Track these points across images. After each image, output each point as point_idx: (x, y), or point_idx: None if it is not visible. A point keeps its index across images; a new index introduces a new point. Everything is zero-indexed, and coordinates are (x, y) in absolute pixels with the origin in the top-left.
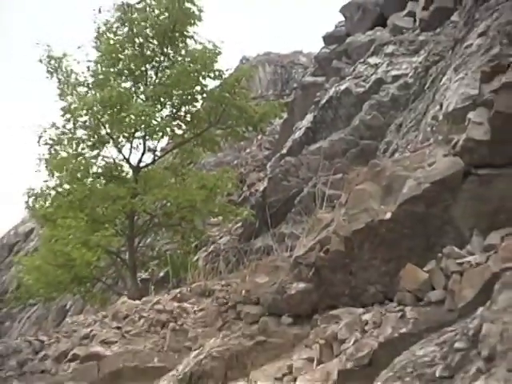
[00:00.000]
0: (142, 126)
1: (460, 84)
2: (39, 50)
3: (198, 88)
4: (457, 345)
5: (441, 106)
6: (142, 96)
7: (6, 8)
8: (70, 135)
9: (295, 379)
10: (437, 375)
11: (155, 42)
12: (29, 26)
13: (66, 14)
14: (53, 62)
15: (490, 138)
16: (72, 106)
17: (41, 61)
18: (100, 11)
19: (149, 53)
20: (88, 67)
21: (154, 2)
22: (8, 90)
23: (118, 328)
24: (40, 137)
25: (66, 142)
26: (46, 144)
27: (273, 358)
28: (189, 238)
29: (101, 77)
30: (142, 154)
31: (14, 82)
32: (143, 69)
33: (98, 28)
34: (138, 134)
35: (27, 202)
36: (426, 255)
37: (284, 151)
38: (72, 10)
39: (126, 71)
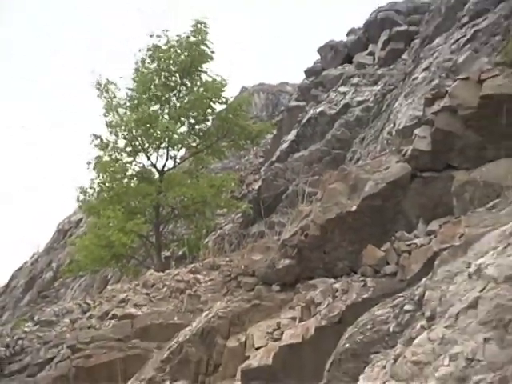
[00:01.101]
0: (166, 139)
1: (408, 107)
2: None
3: (209, 111)
4: (406, 307)
5: (394, 124)
6: (166, 116)
7: (6, 8)
8: (112, 145)
9: (282, 333)
10: (390, 330)
11: (177, 75)
12: (29, 26)
13: (66, 14)
14: (101, 87)
15: (431, 149)
16: (114, 123)
17: (96, 86)
18: (140, 50)
19: (172, 83)
20: (126, 93)
21: (176, 44)
22: (8, 90)
23: (147, 294)
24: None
25: (109, 150)
26: (97, 146)
27: (265, 317)
28: (201, 225)
29: (135, 101)
30: (166, 161)
31: (14, 82)
32: (167, 95)
33: (136, 63)
34: (162, 145)
35: (78, 197)
36: (382, 238)
37: (274, 158)
38: (72, 10)
39: (154, 97)
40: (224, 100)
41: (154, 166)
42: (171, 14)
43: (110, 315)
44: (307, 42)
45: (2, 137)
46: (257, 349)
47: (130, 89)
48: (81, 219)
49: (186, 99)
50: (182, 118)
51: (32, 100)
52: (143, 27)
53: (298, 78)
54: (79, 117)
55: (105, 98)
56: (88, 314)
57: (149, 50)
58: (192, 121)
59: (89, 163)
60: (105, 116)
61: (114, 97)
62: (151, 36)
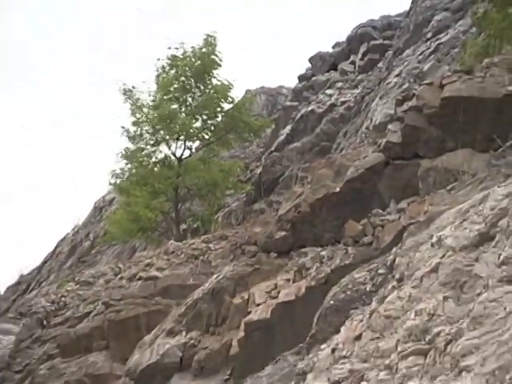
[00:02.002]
0: (183, 132)
1: (383, 107)
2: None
3: (219, 109)
4: (380, 271)
5: (371, 120)
6: (183, 114)
7: (6, 8)
8: (138, 138)
9: (278, 292)
10: (367, 290)
11: (192, 80)
12: (29, 26)
13: (66, 14)
14: (127, 92)
15: (401, 141)
16: (139, 120)
17: (123, 92)
18: (159, 59)
19: (188, 87)
20: (149, 94)
21: (191, 55)
22: (8, 90)
23: (168, 260)
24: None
25: (136, 141)
26: (127, 137)
27: (264, 279)
28: (212, 203)
29: (157, 102)
30: (183, 150)
31: (14, 82)
32: (184, 96)
33: (157, 70)
34: (180, 137)
35: (110, 180)
36: (361, 214)
37: (272, 148)
38: (72, 10)
39: (173, 98)
40: (231, 100)
41: (174, 154)
42: (171, 14)
43: (137, 277)
44: (307, 41)
45: (2, 137)
46: (257, 305)
47: (152, 91)
48: (113, 198)
49: (200, 100)
50: (196, 115)
51: (32, 100)
52: (143, 27)
53: (292, 82)
54: (79, 117)
55: (130, 101)
56: (119, 276)
57: (168, 59)
58: (204, 117)
59: (118, 153)
60: (131, 115)
61: (139, 99)
62: (169, 48)
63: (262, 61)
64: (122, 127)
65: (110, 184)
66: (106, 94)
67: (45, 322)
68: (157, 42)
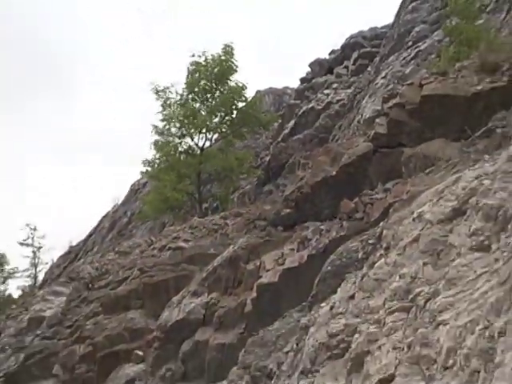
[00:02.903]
0: (205, 127)
1: (371, 104)
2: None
3: (234, 107)
4: (370, 241)
5: (361, 115)
6: (205, 111)
7: (6, 8)
8: (166, 131)
9: (285, 260)
10: (359, 257)
11: (212, 82)
12: (29, 25)
13: (66, 14)
14: (159, 93)
15: (387, 132)
16: (168, 116)
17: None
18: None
19: (208, 88)
20: (176, 93)
21: (211, 62)
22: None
23: (192, 233)
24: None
25: (164, 134)
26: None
27: (273, 249)
28: (229, 186)
29: (183, 101)
30: (204, 142)
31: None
32: (205, 96)
33: (188, 74)
34: (202, 131)
35: (143, 167)
36: (353, 194)
37: (279, 139)
38: (72, 9)
39: (196, 97)
40: (244, 99)
41: (197, 145)
42: (171, 14)
43: (166, 247)
44: (305, 41)
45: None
46: (267, 270)
47: (179, 92)
48: (146, 182)
49: (218, 99)
50: (215, 112)
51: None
52: (143, 27)
53: (295, 83)
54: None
55: (162, 98)
56: (151, 246)
57: (192, 65)
58: (222, 114)
59: (150, 144)
60: (161, 111)
61: (168, 98)
62: (193, 55)
63: (261, 60)
64: (152, 125)
65: (143, 172)
66: (107, 94)
67: (90, 285)
68: (157, 41)
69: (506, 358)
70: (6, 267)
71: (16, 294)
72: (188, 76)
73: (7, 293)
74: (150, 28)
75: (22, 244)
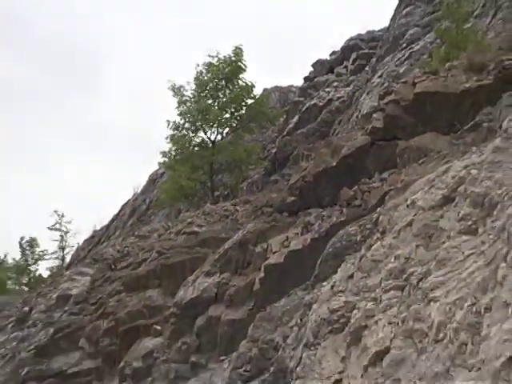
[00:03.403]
0: (216, 122)
1: (369, 101)
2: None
3: (243, 103)
4: (367, 226)
5: (359, 111)
6: (216, 107)
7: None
8: (182, 126)
9: (290, 243)
10: (357, 240)
11: (223, 81)
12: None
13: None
14: (176, 90)
15: (383, 126)
16: (183, 112)
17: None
18: (198, 65)
19: (219, 86)
20: (191, 89)
21: (222, 62)
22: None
23: (205, 219)
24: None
25: (180, 129)
26: (172, 128)
27: (279, 233)
28: (239, 175)
29: (196, 98)
30: (216, 135)
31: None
32: (217, 94)
33: (197, 73)
34: (214, 125)
35: (161, 158)
36: (352, 183)
37: (284, 133)
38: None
39: (208, 95)
40: (252, 96)
41: (209, 138)
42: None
43: (181, 232)
44: (309, 44)
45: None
46: (274, 253)
47: (192, 90)
48: (163, 172)
49: (229, 96)
50: (226, 108)
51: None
52: (144, 26)
53: (299, 82)
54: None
55: (178, 96)
56: (168, 231)
57: (205, 65)
58: (232, 110)
59: (166, 138)
60: (177, 108)
61: (183, 95)
62: (208, 55)
63: (263, 60)
64: (168, 120)
65: (161, 163)
66: (130, 89)
67: (113, 266)
68: (158, 40)
69: (491, 331)
70: (37, 250)
71: (45, 274)
72: (201, 75)
73: (38, 273)
74: (152, 27)
75: (50, 229)
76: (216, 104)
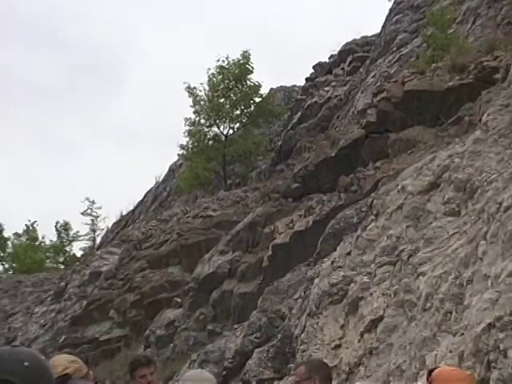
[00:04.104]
0: (228, 118)
1: (363, 98)
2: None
3: (252, 101)
4: (362, 209)
5: (355, 107)
6: (228, 105)
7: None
8: (197, 122)
9: (294, 224)
10: (354, 222)
11: (233, 81)
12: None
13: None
14: (191, 90)
15: (376, 121)
16: (198, 109)
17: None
18: (209, 68)
19: (230, 86)
20: (204, 90)
21: (232, 65)
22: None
23: (219, 203)
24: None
25: (195, 125)
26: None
27: (284, 216)
28: (248, 165)
29: (209, 97)
30: (228, 130)
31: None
32: (228, 93)
33: (209, 76)
34: (226, 121)
35: (179, 151)
36: (349, 171)
37: (289, 127)
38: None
39: (220, 94)
40: (260, 95)
41: (222, 133)
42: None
43: (198, 216)
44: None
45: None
46: (280, 233)
47: (206, 90)
48: (181, 163)
49: (239, 95)
50: (237, 106)
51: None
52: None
53: (301, 82)
54: None
55: (192, 96)
56: (186, 215)
57: (217, 67)
58: (242, 107)
59: (184, 132)
60: (192, 106)
61: (197, 95)
62: (218, 60)
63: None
64: (185, 117)
65: (179, 155)
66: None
67: (138, 246)
68: (171, 42)
69: (473, 301)
70: (71, 232)
71: (79, 254)
72: (214, 77)
73: (72, 252)
74: (155, 26)
75: (82, 214)
76: (227, 102)
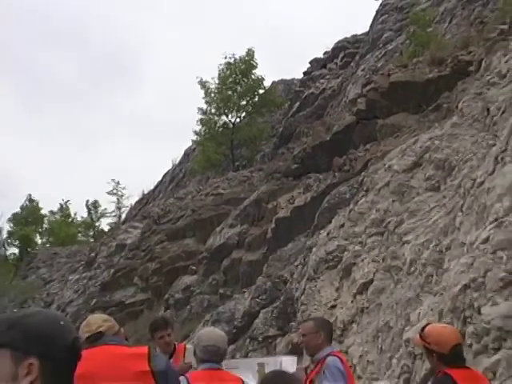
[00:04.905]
0: (235, 108)
1: (354, 89)
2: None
3: (256, 93)
4: (354, 186)
5: (347, 97)
6: (235, 97)
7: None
8: (208, 111)
9: (294, 200)
10: (347, 197)
11: (239, 76)
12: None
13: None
14: (203, 84)
15: (365, 108)
16: (209, 100)
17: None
18: (219, 65)
19: (237, 80)
20: (215, 83)
21: (238, 61)
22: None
23: (228, 182)
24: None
25: (207, 114)
26: (201, 113)
27: (286, 193)
28: (254, 149)
29: (219, 90)
30: (235, 118)
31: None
32: (235, 87)
33: (219, 71)
34: (233, 111)
35: (193, 137)
36: (342, 153)
37: (289, 116)
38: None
39: (229, 87)
40: (263, 87)
41: (230, 121)
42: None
43: (210, 194)
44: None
45: None
46: (282, 208)
47: (216, 83)
48: (195, 148)
49: (244, 87)
50: (243, 97)
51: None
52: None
53: (300, 75)
54: None
55: (204, 88)
56: (200, 193)
57: (225, 64)
58: (247, 98)
59: (197, 121)
60: (204, 98)
61: (209, 88)
62: (225, 57)
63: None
64: (198, 107)
65: (193, 140)
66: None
67: (157, 221)
68: (182, 40)
69: (451, 265)
70: (99, 210)
71: (106, 228)
72: (223, 72)
73: (100, 227)
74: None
75: (109, 193)
76: (235, 94)
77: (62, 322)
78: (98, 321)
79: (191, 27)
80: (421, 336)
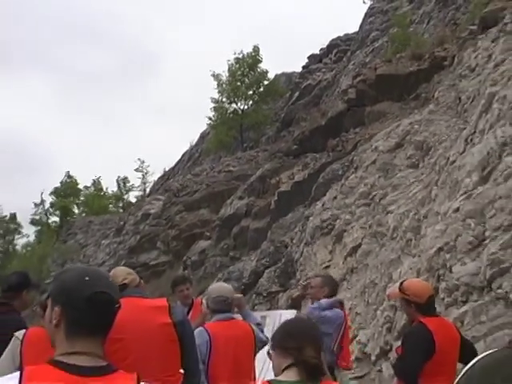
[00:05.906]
0: (243, 97)
1: (346, 80)
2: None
3: (261, 84)
4: (345, 164)
5: (339, 88)
6: (243, 87)
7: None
8: (219, 100)
9: (294, 176)
10: (339, 173)
11: (247, 69)
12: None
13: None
14: (218, 77)
15: (355, 97)
16: (221, 90)
17: (213, 75)
18: (229, 60)
19: (245, 73)
20: (226, 76)
21: (246, 56)
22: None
23: (237, 161)
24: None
25: (219, 102)
26: (214, 101)
27: (287, 170)
28: (259, 132)
29: (229, 81)
30: (244, 106)
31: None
32: (243, 79)
33: (229, 65)
34: (241, 99)
35: (207, 121)
36: (335, 135)
37: (290, 103)
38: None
39: (237, 79)
40: (267, 79)
41: (239, 108)
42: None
43: (222, 170)
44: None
45: None
46: (283, 183)
47: (226, 75)
48: (209, 131)
49: (251, 79)
50: (249, 88)
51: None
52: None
53: (299, 69)
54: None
55: (216, 80)
56: (213, 170)
57: (234, 59)
58: (254, 89)
59: (211, 108)
60: (217, 88)
61: (221, 79)
62: (234, 53)
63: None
64: (211, 97)
65: (207, 124)
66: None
67: (177, 194)
68: (194, 37)
69: (427, 231)
70: (127, 184)
71: (133, 200)
72: (232, 66)
73: (128, 199)
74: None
75: (136, 170)
76: (243, 85)
77: (86, 278)
78: (123, 273)
79: (193, 27)
80: (400, 289)
